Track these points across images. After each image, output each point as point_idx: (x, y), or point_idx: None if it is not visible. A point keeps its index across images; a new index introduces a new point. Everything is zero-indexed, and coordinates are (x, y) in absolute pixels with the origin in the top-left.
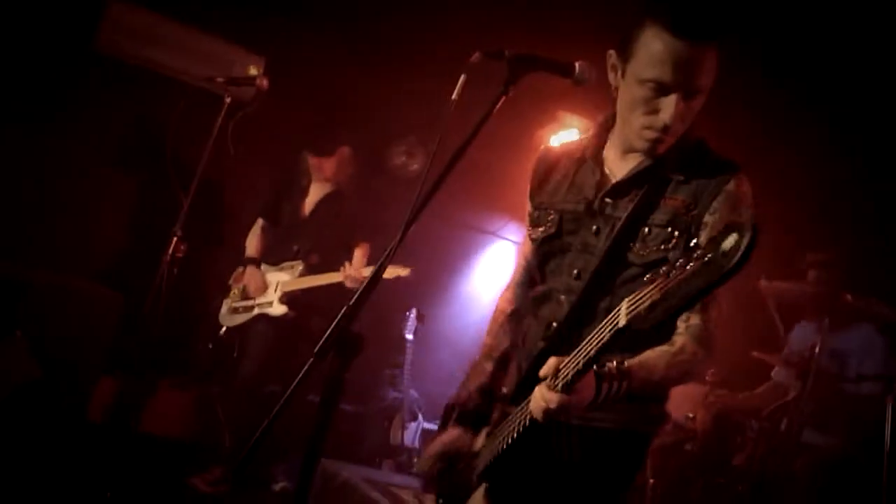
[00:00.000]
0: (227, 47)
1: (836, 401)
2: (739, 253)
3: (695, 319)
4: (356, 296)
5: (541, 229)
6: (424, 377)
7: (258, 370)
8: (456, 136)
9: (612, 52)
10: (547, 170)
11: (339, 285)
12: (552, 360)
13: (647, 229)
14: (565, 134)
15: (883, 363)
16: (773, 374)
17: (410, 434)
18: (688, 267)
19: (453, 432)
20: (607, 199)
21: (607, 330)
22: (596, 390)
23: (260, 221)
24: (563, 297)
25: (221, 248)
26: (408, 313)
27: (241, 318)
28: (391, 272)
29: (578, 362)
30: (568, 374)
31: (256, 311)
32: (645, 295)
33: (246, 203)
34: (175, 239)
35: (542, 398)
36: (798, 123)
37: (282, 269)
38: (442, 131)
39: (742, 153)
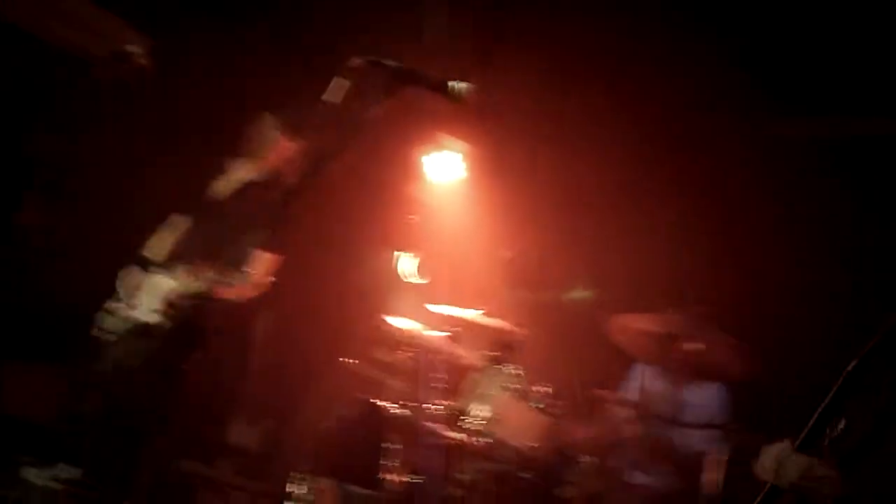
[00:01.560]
0: (115, 23)
1: (667, 446)
2: None
3: None
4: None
5: None
6: (275, 380)
7: None
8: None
9: None
10: None
11: None
12: None
13: None
14: (441, 155)
15: (718, 415)
16: (610, 411)
17: (252, 436)
18: None
19: None
20: None
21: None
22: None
23: None
24: None
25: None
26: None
27: None
28: None
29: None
30: None
31: None
32: None
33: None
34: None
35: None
36: None
37: None
38: (313, 134)
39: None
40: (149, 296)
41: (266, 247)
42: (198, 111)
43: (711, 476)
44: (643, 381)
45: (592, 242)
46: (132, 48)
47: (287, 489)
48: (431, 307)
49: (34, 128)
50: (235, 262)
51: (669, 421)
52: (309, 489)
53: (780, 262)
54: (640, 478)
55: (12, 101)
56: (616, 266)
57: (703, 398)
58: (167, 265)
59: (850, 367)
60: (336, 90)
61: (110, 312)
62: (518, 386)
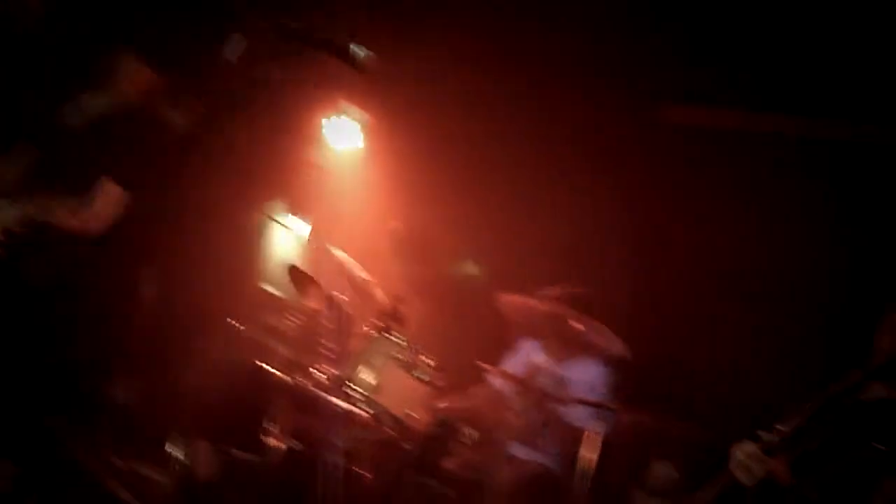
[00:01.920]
0: None
1: (548, 422)
2: None
3: None
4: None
5: None
6: (155, 339)
7: None
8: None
9: None
10: None
11: None
12: None
13: None
14: (342, 122)
15: (595, 391)
16: (493, 383)
17: (129, 395)
18: None
19: None
20: None
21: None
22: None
23: None
24: None
25: None
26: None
27: None
28: None
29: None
30: None
31: None
32: None
33: None
34: None
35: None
36: None
37: None
38: (213, 91)
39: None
40: None
41: (115, 180)
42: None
43: (588, 453)
44: (528, 357)
45: (484, 219)
46: None
47: (163, 449)
48: (334, 251)
49: None
50: (81, 194)
51: (551, 397)
52: (186, 450)
53: (668, 245)
54: (520, 451)
55: None
56: (505, 244)
57: (585, 376)
58: (11, 194)
59: (834, 389)
60: (235, 48)
61: None
62: (403, 356)
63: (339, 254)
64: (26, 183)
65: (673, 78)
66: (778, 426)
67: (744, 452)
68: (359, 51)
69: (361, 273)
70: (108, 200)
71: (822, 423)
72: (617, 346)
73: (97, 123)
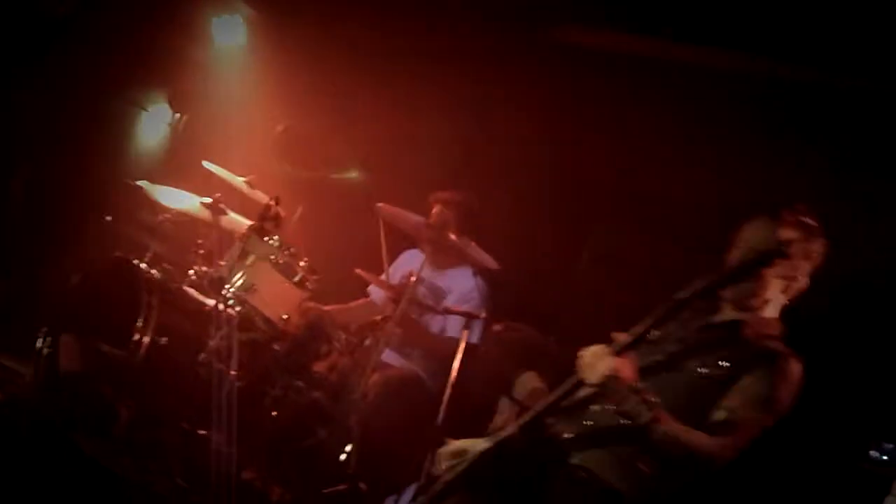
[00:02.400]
0: None
1: (420, 330)
2: None
3: (720, 431)
4: None
5: None
6: (27, 233)
7: None
8: None
9: None
10: None
11: None
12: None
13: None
14: (228, 18)
15: (469, 303)
16: (369, 290)
17: None
18: None
19: None
20: None
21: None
22: (627, 392)
23: None
24: None
25: None
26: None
27: None
28: None
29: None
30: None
31: None
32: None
33: None
34: None
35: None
36: None
37: None
38: None
39: None
40: None
41: None
42: None
43: (460, 362)
44: (406, 265)
45: (372, 126)
46: None
47: (28, 342)
48: (206, 164)
49: None
50: None
51: (427, 306)
52: (52, 344)
53: (549, 163)
54: (392, 358)
55: None
56: (392, 153)
57: (462, 286)
58: None
59: (679, 296)
60: None
61: None
62: (278, 258)
63: (212, 167)
64: None
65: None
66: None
67: (591, 352)
68: None
69: (237, 179)
70: None
71: (669, 332)
72: (489, 261)
73: None
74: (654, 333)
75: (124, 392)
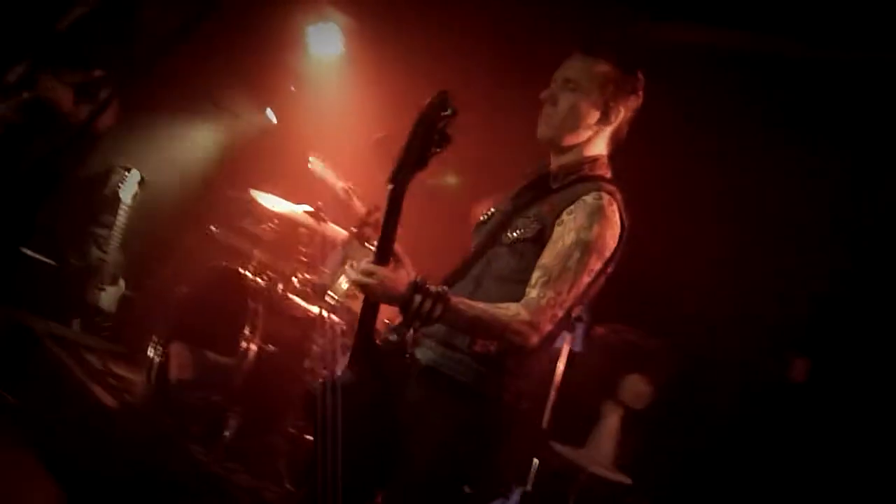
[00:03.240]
0: None
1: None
2: None
3: (533, 293)
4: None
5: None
6: (135, 243)
7: None
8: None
9: None
10: None
11: None
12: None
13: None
14: (323, 26)
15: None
16: None
17: (108, 298)
18: None
19: None
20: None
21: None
22: (407, 294)
23: None
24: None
25: None
26: (126, 173)
27: None
28: None
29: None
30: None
31: None
32: None
33: None
34: None
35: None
36: None
37: None
38: None
39: None
40: None
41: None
42: None
43: (560, 365)
44: None
45: (468, 130)
46: None
47: (140, 351)
48: (312, 160)
49: None
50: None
51: None
52: (162, 352)
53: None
54: None
55: None
56: (486, 156)
57: None
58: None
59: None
60: None
61: None
62: None
63: (317, 163)
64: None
65: None
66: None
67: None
68: None
69: (340, 182)
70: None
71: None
72: None
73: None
74: (486, 214)
75: (233, 399)
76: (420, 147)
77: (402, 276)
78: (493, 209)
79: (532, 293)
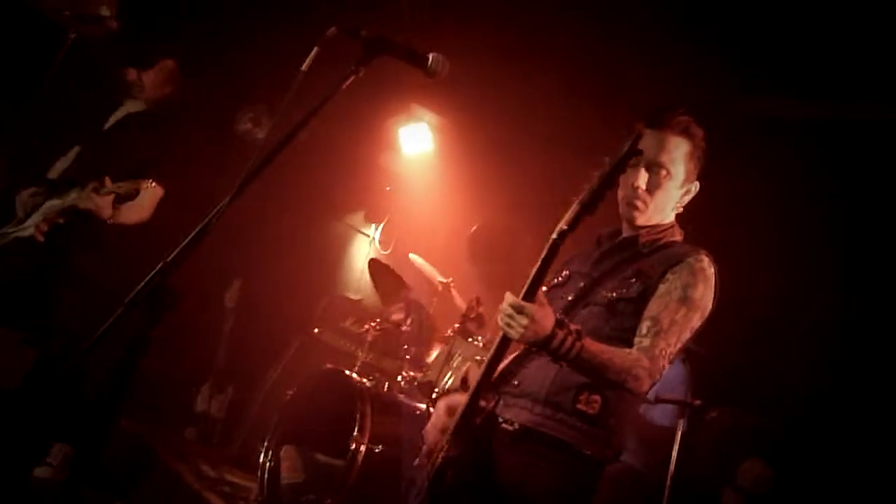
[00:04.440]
0: None
1: (633, 421)
2: None
3: (646, 342)
4: (177, 250)
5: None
6: (241, 349)
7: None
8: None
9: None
10: None
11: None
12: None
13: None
14: (415, 127)
15: (681, 390)
16: None
17: (217, 404)
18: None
19: None
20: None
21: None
22: (553, 330)
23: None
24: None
25: None
26: (234, 282)
27: None
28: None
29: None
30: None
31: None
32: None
33: None
34: None
35: (505, 303)
36: None
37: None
38: (287, 102)
39: None
40: (38, 214)
41: (148, 171)
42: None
43: (674, 451)
44: None
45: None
46: (101, 10)
47: (251, 456)
48: (412, 257)
49: None
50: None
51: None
52: (273, 456)
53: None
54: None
55: None
56: (578, 239)
57: (668, 373)
58: (60, 186)
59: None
60: (312, 59)
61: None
62: (483, 358)
63: (417, 259)
64: (70, 176)
65: None
66: None
67: (504, 309)
68: (434, 56)
69: (440, 277)
70: (151, 196)
71: (572, 271)
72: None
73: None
74: (560, 278)
75: (344, 500)
76: (600, 193)
77: (549, 312)
78: (566, 272)
79: (645, 342)
